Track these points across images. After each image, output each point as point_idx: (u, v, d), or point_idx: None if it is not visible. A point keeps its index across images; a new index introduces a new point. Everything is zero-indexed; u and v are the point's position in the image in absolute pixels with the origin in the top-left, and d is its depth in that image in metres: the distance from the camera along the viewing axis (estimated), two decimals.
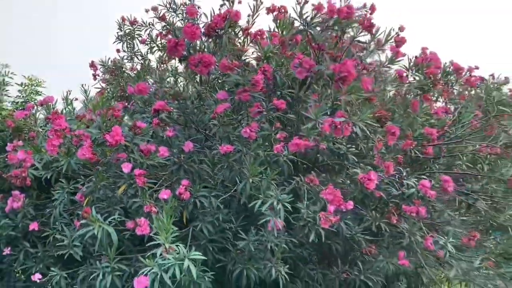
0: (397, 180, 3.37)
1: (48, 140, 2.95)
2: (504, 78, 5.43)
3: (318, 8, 3.04)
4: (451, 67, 4.61)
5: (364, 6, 5.41)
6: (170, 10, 4.97)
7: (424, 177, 3.25)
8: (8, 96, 4.58)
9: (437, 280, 4.62)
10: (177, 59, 3.91)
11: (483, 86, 4.41)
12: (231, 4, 4.49)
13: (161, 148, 3.18)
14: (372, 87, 2.90)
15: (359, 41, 3.08)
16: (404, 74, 3.64)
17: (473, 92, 4.62)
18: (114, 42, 5.72)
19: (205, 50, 3.56)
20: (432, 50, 4.48)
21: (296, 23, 3.36)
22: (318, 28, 3.13)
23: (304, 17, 3.07)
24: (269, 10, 4.46)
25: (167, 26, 4.93)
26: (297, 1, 3.49)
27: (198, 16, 3.68)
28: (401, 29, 3.39)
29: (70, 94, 4.41)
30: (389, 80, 3.22)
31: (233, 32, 3.85)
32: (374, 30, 3.14)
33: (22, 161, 3.18)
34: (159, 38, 5.39)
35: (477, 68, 4.93)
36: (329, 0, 3.03)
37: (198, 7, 4.63)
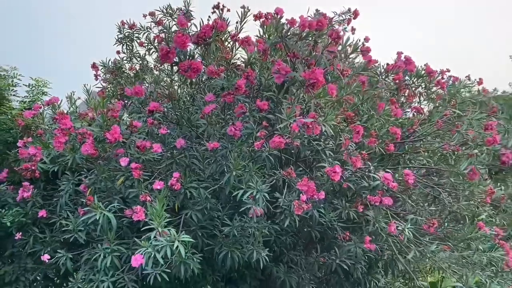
0: (366, 173, 3.79)
1: (55, 137, 3.36)
2: (478, 79, 5.84)
3: (291, 22, 3.46)
4: (424, 71, 5.06)
5: (349, 10, 5.88)
6: (166, 15, 5.36)
7: (389, 170, 3.66)
8: (17, 96, 5.01)
9: (414, 269, 5.03)
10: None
11: (449, 88, 4.80)
12: (221, 12, 4.90)
13: (155, 145, 3.59)
14: (337, 93, 3.31)
15: (328, 51, 3.48)
16: (375, 79, 4.04)
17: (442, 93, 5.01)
18: (114, 44, 6.09)
19: (195, 57, 3.96)
20: (408, 54, 4.94)
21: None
22: (294, 39, 3.54)
23: (280, 29, 3.48)
24: (256, 17, 4.84)
25: (164, 30, 5.33)
26: (274, 15, 3.87)
27: (188, 26, 4.08)
28: (366, 39, 3.81)
29: (74, 94, 4.81)
30: (355, 86, 3.60)
31: (220, 40, 4.26)
32: (342, 41, 3.53)
33: (33, 156, 3.58)
34: (156, 40, 5.78)
35: (448, 70, 5.35)
36: (302, 15, 3.43)
37: (190, 16, 5.05)
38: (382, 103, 3.91)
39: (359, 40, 3.68)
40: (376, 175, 3.62)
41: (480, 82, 5.68)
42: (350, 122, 3.52)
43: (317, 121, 3.17)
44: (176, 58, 3.85)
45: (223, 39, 4.44)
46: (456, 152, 4.39)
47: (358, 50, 3.60)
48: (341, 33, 3.46)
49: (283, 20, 3.84)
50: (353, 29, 5.54)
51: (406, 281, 5.56)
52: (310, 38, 3.57)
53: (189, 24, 4.27)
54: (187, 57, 3.87)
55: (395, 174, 3.71)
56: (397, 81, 3.89)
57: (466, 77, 5.67)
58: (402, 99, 4.52)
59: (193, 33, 4.10)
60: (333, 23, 5.73)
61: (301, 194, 3.44)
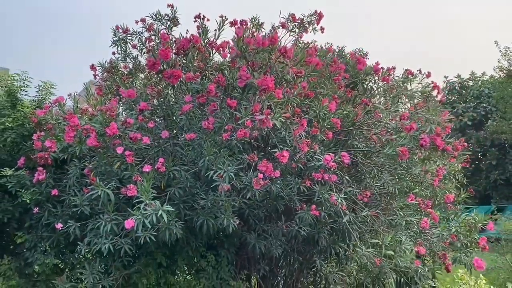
0: (315, 157, 4.75)
1: (66, 132, 4.32)
2: (427, 72, 6.73)
3: (248, 41, 4.40)
4: (372, 69, 6.00)
5: (315, 13, 6.82)
6: (156, 20, 6.20)
7: (330, 153, 4.61)
8: (28, 96, 5.93)
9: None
10: None
11: (392, 82, 5.73)
12: (202, 20, 5.79)
13: (145, 137, 4.52)
14: (283, 95, 4.28)
15: (280, 61, 4.43)
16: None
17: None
18: (110, 46, 6.88)
19: (176, 65, 4.88)
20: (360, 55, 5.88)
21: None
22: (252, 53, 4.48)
23: (240, 45, 4.42)
24: (232, 24, 5.72)
25: (154, 34, 6.16)
26: (235, 36, 4.78)
27: (170, 39, 5.01)
28: (313, 48, 4.77)
29: (76, 94, 5.74)
30: (298, 90, 4.54)
31: (199, 47, 5.17)
32: (290, 54, 4.47)
33: (49, 147, 4.53)
34: (147, 42, 6.58)
35: (394, 68, 6.30)
36: (258, 34, 4.37)
37: (176, 22, 5.93)
38: (325, 100, 4.86)
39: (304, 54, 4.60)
40: (320, 157, 4.59)
41: (428, 75, 6.60)
42: (297, 117, 4.49)
43: (269, 117, 4.12)
44: (161, 66, 4.80)
45: (202, 45, 5.32)
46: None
47: (303, 61, 4.53)
48: (290, 46, 4.36)
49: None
50: (322, 29, 6.49)
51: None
52: (265, 52, 4.51)
53: (173, 31, 5.23)
54: (170, 66, 4.81)
55: (336, 156, 4.67)
56: (336, 82, 4.85)
57: (417, 70, 6.60)
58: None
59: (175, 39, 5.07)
60: (304, 23, 6.73)
61: (259, 173, 4.40)
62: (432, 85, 6.40)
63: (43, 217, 5.06)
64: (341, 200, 4.41)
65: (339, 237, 5.82)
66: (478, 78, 27.83)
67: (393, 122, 4.84)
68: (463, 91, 27.36)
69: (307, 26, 6.44)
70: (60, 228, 4.66)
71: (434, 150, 4.82)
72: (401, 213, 4.79)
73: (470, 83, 27.79)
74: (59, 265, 5.53)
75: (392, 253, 4.42)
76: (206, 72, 5.11)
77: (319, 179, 4.56)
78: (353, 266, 6.66)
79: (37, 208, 4.97)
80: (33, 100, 5.91)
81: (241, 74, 4.43)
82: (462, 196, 6.31)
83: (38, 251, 5.14)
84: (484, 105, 25.66)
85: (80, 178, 4.94)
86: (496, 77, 24.24)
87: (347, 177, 4.88)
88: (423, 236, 4.88)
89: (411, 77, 6.31)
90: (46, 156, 4.73)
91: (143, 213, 4.05)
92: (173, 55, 4.87)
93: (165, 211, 4.12)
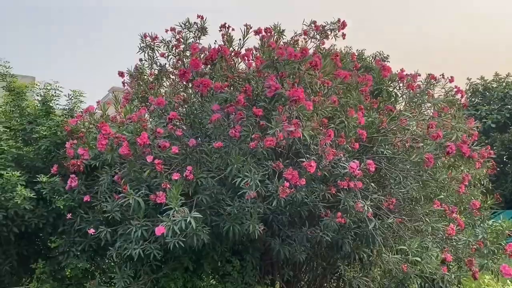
0: (340, 164, 4.81)
1: (99, 140, 4.47)
2: (450, 77, 6.70)
3: (280, 52, 4.49)
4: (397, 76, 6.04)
5: (338, 21, 6.91)
6: (184, 28, 6.32)
7: (354, 160, 4.66)
8: (59, 105, 6.14)
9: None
10: None
11: (415, 91, 5.75)
12: (227, 29, 5.91)
13: (173, 147, 4.64)
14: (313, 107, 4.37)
15: (309, 73, 4.52)
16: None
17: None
18: (138, 52, 6.96)
19: (205, 75, 5.00)
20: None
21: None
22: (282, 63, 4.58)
23: (271, 56, 4.53)
24: (256, 32, 5.82)
25: (183, 43, 6.26)
26: (264, 45, 4.87)
27: (200, 48, 5.14)
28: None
29: (105, 102, 5.92)
30: (328, 103, 4.62)
31: (226, 57, 5.27)
32: (319, 66, 4.55)
33: (81, 155, 4.69)
34: (174, 49, 6.67)
35: (419, 75, 6.30)
36: (291, 48, 4.46)
37: (205, 31, 6.07)
38: (352, 111, 4.92)
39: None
40: (345, 164, 4.65)
41: (451, 80, 6.58)
42: (324, 127, 4.57)
43: (297, 128, 4.21)
44: (191, 76, 4.94)
45: (228, 54, 5.42)
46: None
47: (332, 74, 4.61)
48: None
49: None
50: (344, 35, 6.58)
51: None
52: (295, 63, 4.60)
53: (201, 39, 5.37)
54: (199, 75, 4.93)
55: (361, 164, 4.72)
56: (363, 92, 4.91)
57: (440, 75, 6.58)
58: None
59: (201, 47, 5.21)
60: (326, 30, 6.83)
61: (285, 181, 4.48)
62: (455, 89, 6.43)
63: (76, 222, 5.25)
64: (368, 208, 4.46)
65: (362, 243, 5.85)
66: (503, 80, 27.31)
67: (419, 129, 4.86)
68: (487, 93, 26.87)
69: (329, 33, 6.55)
70: (92, 233, 4.83)
71: (459, 157, 4.83)
72: (427, 219, 4.81)
73: (494, 85, 27.29)
74: (90, 269, 5.71)
75: (419, 259, 4.44)
76: (233, 80, 5.21)
77: (345, 186, 4.62)
78: (377, 271, 6.68)
79: (70, 214, 5.15)
80: (64, 108, 6.11)
81: (270, 84, 4.52)
82: (489, 202, 6.27)
83: (71, 255, 5.31)
84: (509, 107, 25.15)
85: (111, 184, 5.09)
86: None
87: (372, 184, 4.92)
88: (449, 243, 4.89)
89: (434, 81, 6.31)
90: (78, 163, 4.89)
91: (173, 220, 4.17)
92: (202, 65, 4.99)
93: (193, 218, 4.23)
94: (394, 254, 5.02)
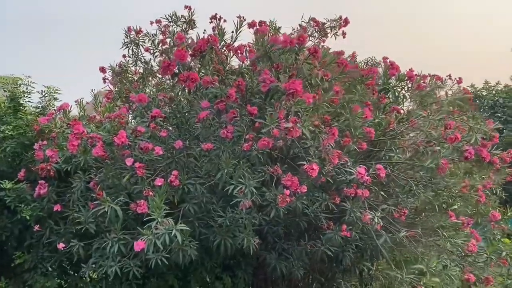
0: (345, 169, 4.26)
1: (69, 141, 3.87)
2: (458, 78, 6.27)
3: (274, 39, 3.94)
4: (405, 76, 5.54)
5: (340, 18, 6.43)
6: (171, 21, 5.78)
7: (362, 165, 4.12)
8: (31, 102, 5.52)
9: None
10: None
11: (425, 90, 5.25)
12: (218, 21, 5.37)
13: (157, 148, 4.06)
14: (313, 101, 3.80)
15: (308, 63, 3.96)
16: None
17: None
18: (121, 48, 6.40)
19: (192, 68, 4.44)
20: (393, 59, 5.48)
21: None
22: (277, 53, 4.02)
23: (265, 44, 3.96)
24: (250, 25, 5.29)
25: (169, 36, 5.72)
26: (258, 34, 4.33)
27: (186, 40, 4.57)
28: (341, 53, 4.29)
29: (82, 100, 5.32)
30: (330, 94, 4.07)
31: (216, 49, 4.73)
32: (319, 54, 4.00)
33: (50, 158, 4.09)
34: (160, 44, 6.13)
35: (429, 75, 5.84)
36: (285, 33, 3.91)
37: (193, 24, 5.54)
38: (357, 106, 4.38)
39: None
40: (352, 170, 4.10)
41: (459, 81, 6.14)
42: (327, 125, 4.00)
43: (296, 125, 3.64)
44: (176, 69, 4.36)
45: (219, 47, 4.89)
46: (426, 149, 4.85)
47: (333, 62, 4.06)
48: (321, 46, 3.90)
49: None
50: (344, 34, 6.11)
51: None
52: (292, 52, 4.04)
53: (189, 34, 4.79)
54: (186, 68, 4.36)
55: (370, 169, 4.17)
56: (370, 86, 4.36)
57: (447, 76, 6.14)
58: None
59: (190, 41, 4.62)
60: (326, 28, 6.34)
61: (285, 189, 3.92)
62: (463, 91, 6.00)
63: (44, 235, 4.64)
64: (378, 220, 3.90)
65: (363, 256, 5.36)
66: (492, 88, 27.23)
67: (434, 131, 4.33)
68: (477, 101, 26.74)
69: (328, 31, 6.08)
70: (62, 248, 4.20)
71: (478, 163, 4.31)
72: (444, 233, 4.27)
73: (484, 93, 27.19)
74: (63, 286, 5.07)
75: (437, 280, 3.89)
76: (224, 76, 4.65)
77: (351, 194, 4.07)
78: (377, 287, 6.17)
79: (38, 225, 4.53)
80: (36, 106, 5.49)
81: (265, 77, 3.96)
82: (509, 214, 5.73)
83: (39, 272, 4.71)
84: (499, 115, 25.05)
85: (85, 192, 4.49)
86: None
87: (382, 193, 4.37)
88: (467, 260, 4.34)
89: (440, 83, 5.88)
90: (48, 167, 4.29)
91: (155, 233, 3.59)
92: (189, 57, 4.42)
93: (179, 231, 3.65)
94: (400, 269, 4.49)
